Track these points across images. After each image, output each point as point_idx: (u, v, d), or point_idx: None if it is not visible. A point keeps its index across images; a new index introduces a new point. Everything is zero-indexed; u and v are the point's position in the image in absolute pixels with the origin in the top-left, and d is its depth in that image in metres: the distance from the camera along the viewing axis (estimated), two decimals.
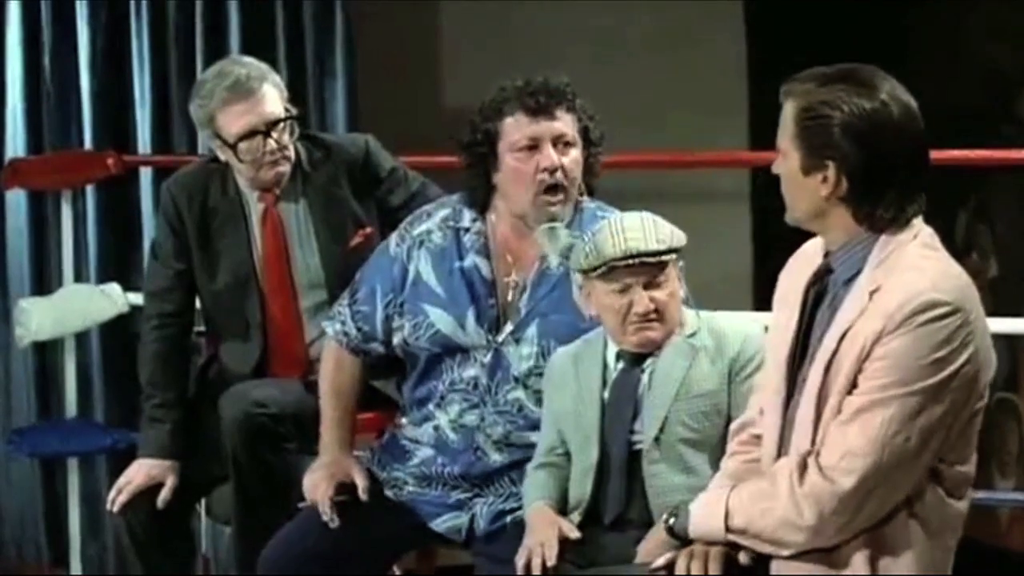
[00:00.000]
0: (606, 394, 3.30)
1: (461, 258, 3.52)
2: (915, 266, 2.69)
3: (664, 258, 3.26)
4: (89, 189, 5.46)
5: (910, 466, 2.66)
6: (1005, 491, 5.71)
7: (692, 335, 3.29)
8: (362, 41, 5.59)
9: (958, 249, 5.94)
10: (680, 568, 2.82)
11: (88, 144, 5.50)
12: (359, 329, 3.62)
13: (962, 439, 2.72)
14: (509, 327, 3.47)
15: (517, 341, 3.45)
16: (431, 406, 3.54)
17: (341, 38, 5.46)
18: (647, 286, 3.25)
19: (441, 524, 3.51)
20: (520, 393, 3.45)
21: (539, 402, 3.43)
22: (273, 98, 3.89)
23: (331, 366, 3.67)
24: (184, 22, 5.48)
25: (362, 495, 3.49)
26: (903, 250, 2.71)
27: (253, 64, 3.94)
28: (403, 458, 3.57)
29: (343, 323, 3.65)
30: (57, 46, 5.49)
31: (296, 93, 5.55)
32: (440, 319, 3.50)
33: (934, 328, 2.64)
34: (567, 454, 3.34)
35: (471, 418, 3.49)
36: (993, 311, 5.35)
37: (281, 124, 3.88)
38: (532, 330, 3.45)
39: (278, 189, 3.95)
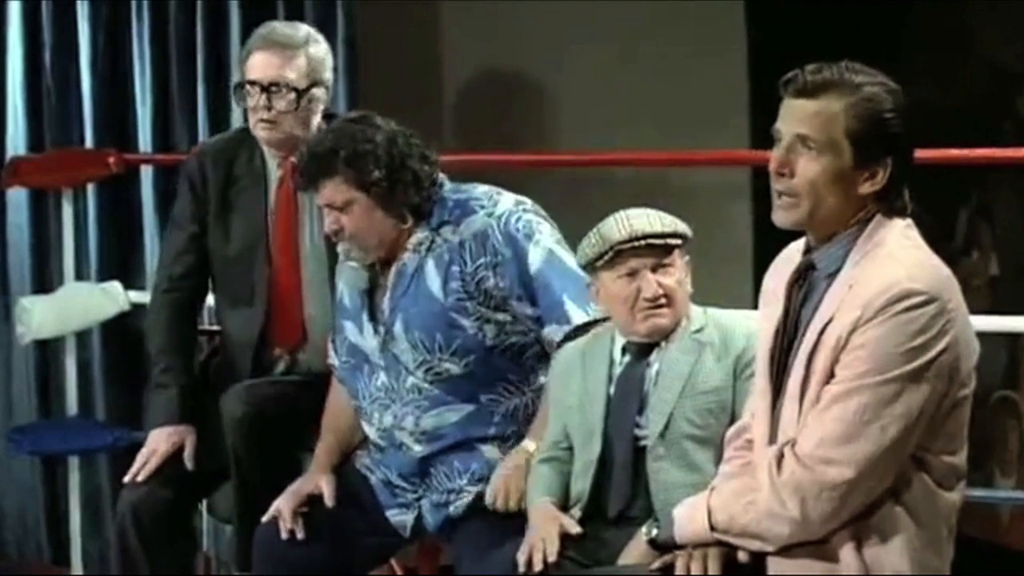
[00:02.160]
0: (612, 389, 3.31)
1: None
2: (892, 256, 2.72)
3: (670, 241, 3.29)
4: (90, 187, 5.47)
5: (890, 454, 2.67)
6: (1006, 490, 5.70)
7: (698, 331, 3.30)
8: (362, 41, 5.59)
9: (959, 247, 5.94)
10: (679, 568, 2.83)
11: (89, 142, 5.51)
12: (339, 356, 3.76)
13: (946, 428, 2.73)
14: (382, 328, 3.59)
15: (393, 338, 3.57)
16: (363, 423, 3.69)
17: (341, 38, 5.46)
18: (654, 270, 3.27)
19: (393, 516, 3.64)
20: (413, 378, 3.57)
21: (433, 381, 3.55)
22: (295, 65, 3.92)
23: (331, 395, 3.80)
24: (184, 21, 5.47)
25: (328, 501, 3.63)
26: (883, 242, 2.74)
27: (304, 31, 3.99)
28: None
29: (332, 354, 3.79)
30: (58, 44, 5.50)
31: None
32: (349, 329, 3.67)
33: (910, 317, 2.66)
34: (571, 448, 3.35)
35: (388, 419, 3.61)
36: (993, 309, 5.37)
37: (282, 89, 3.89)
38: (398, 326, 3.57)
39: (293, 156, 3.96)
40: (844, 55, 2.83)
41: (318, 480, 3.66)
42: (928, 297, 2.66)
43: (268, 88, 3.89)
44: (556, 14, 6.09)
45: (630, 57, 6.10)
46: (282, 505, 3.63)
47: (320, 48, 3.96)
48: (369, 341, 3.61)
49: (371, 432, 3.67)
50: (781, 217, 2.79)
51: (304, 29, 4.00)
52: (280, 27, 4.00)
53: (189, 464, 3.89)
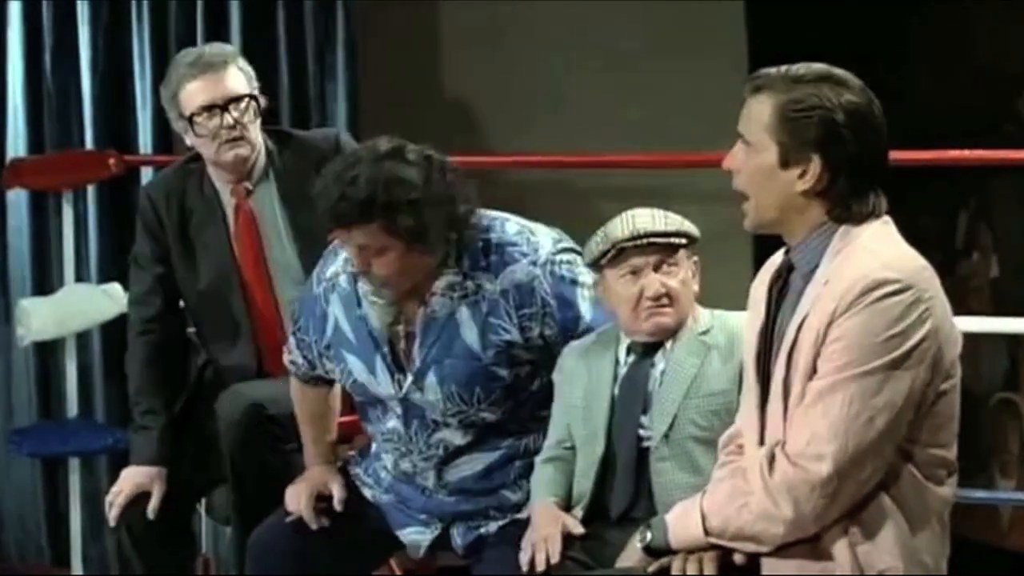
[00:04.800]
0: (616, 390, 3.30)
1: (359, 305, 3.49)
2: (866, 249, 2.72)
3: (674, 241, 3.28)
4: (90, 189, 5.47)
5: (878, 446, 2.67)
6: (1006, 491, 5.70)
7: (705, 332, 3.29)
8: (362, 41, 5.60)
9: (959, 249, 5.95)
10: (676, 570, 2.83)
11: (89, 144, 5.51)
12: (304, 357, 3.63)
13: (932, 419, 2.72)
14: (409, 378, 3.45)
15: (421, 390, 3.44)
16: (375, 447, 3.60)
17: (341, 38, 5.46)
18: (657, 269, 3.27)
19: (406, 535, 3.56)
20: (443, 433, 3.47)
21: (467, 427, 3.45)
22: (236, 77, 3.90)
23: (297, 396, 3.71)
24: (184, 22, 5.48)
25: (337, 506, 3.55)
26: (857, 238, 2.74)
27: (220, 46, 4.02)
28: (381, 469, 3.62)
29: (290, 351, 3.66)
30: (58, 46, 5.50)
31: (296, 93, 5.57)
32: (355, 366, 3.50)
33: (886, 305, 2.66)
34: (574, 448, 3.35)
35: (406, 465, 3.52)
36: (993, 311, 5.37)
37: (240, 102, 3.88)
38: (431, 378, 3.42)
39: (249, 184, 3.95)
40: (844, 56, 2.84)
41: (326, 480, 3.58)
42: (903, 285, 2.67)
43: (226, 107, 3.86)
44: (555, 15, 6.09)
45: (630, 58, 6.10)
46: (303, 506, 3.53)
47: (241, 59, 3.95)
48: (385, 387, 3.45)
49: (387, 462, 3.55)
50: (745, 220, 2.84)
51: (220, 45, 4.03)
52: (196, 50, 4.00)
53: (152, 515, 3.86)
